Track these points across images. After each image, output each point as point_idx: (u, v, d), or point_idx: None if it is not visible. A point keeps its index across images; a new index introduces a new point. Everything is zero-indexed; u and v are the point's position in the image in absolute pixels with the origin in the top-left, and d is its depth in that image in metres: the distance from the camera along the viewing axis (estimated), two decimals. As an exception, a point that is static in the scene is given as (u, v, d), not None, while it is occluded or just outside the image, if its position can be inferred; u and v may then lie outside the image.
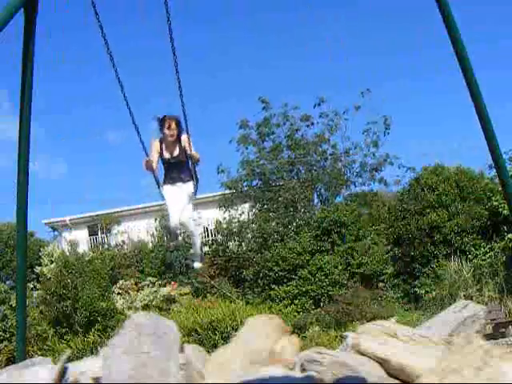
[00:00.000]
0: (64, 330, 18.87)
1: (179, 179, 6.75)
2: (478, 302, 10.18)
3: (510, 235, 18.12)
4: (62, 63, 45.99)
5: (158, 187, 6.81)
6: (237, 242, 22.47)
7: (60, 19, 40.80)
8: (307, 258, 19.82)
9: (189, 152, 6.54)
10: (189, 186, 6.78)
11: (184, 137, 6.58)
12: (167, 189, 6.75)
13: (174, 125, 6.59)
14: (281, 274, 19.82)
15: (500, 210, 18.22)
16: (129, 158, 45.10)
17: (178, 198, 6.68)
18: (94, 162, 45.88)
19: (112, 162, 45.83)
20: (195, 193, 6.90)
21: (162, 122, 6.65)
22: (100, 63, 41.83)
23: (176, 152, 6.68)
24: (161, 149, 6.66)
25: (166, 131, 6.61)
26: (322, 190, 24.16)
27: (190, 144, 6.50)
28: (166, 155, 6.69)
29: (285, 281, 19.77)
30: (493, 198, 18.98)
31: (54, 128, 46.41)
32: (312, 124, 24.12)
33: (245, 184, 23.74)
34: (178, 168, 6.74)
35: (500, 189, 14.48)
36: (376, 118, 23.69)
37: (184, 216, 6.72)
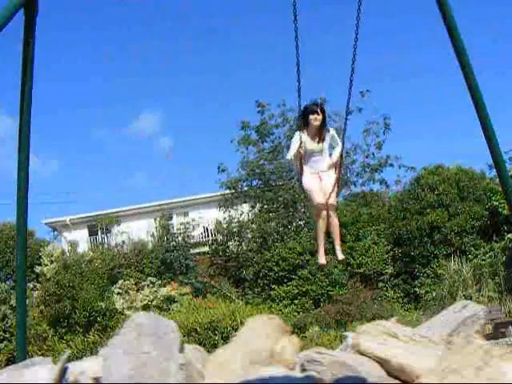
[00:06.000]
0: (64, 330, 18.88)
1: None
2: (478, 302, 10.14)
3: (509, 235, 18.11)
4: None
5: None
6: (237, 242, 22.47)
7: (58, 18, 40.76)
8: (307, 258, 19.82)
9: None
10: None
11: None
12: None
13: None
14: (281, 274, 19.82)
15: (500, 210, 18.22)
16: (128, 157, 45.16)
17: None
18: (93, 162, 45.92)
19: (112, 162, 45.88)
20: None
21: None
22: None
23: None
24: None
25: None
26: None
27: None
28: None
29: (285, 281, 19.77)
30: (493, 198, 18.98)
31: (53, 128, 46.45)
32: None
33: (245, 184, 23.73)
34: None
35: (500, 189, 14.47)
36: (375, 117, 23.75)
37: None
